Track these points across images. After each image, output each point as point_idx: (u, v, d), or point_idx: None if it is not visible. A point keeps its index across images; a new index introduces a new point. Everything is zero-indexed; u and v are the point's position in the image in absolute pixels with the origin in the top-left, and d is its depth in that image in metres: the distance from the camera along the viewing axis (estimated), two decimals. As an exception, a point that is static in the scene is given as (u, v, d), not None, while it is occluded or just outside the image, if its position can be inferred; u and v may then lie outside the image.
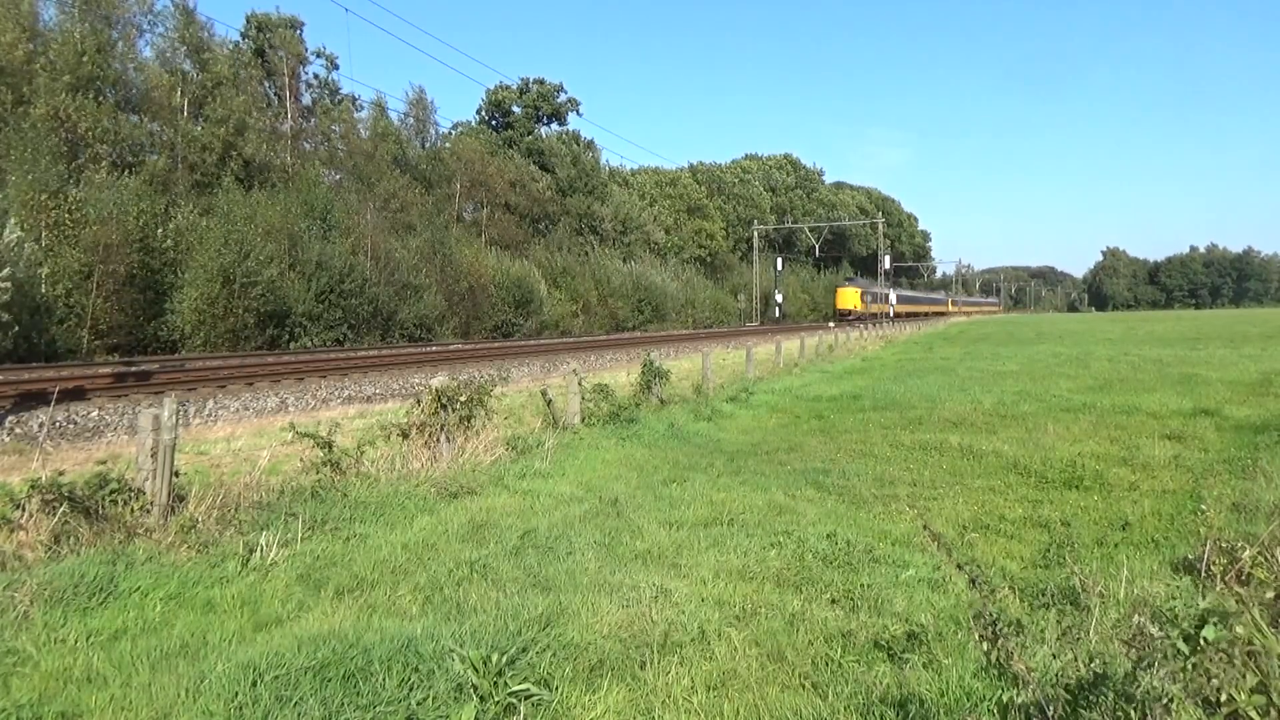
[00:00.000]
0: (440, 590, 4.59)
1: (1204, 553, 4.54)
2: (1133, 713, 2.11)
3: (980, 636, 2.37)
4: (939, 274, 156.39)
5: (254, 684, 3.33)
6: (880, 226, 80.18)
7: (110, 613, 4.28)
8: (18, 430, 10.97)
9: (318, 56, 50.62)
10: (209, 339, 25.94)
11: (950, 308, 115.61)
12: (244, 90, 36.45)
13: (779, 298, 72.92)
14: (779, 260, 75.65)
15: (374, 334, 32.84)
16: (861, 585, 4.63)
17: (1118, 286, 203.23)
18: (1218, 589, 4.31)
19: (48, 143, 25.43)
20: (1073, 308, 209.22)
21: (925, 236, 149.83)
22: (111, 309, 23.97)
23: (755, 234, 76.19)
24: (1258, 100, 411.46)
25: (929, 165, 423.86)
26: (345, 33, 74.08)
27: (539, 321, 43.98)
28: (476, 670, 3.27)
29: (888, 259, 78.79)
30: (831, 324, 61.36)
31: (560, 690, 3.37)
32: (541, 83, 66.56)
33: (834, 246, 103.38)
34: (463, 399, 8.28)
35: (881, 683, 3.43)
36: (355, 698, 3.25)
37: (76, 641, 3.94)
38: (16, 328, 19.66)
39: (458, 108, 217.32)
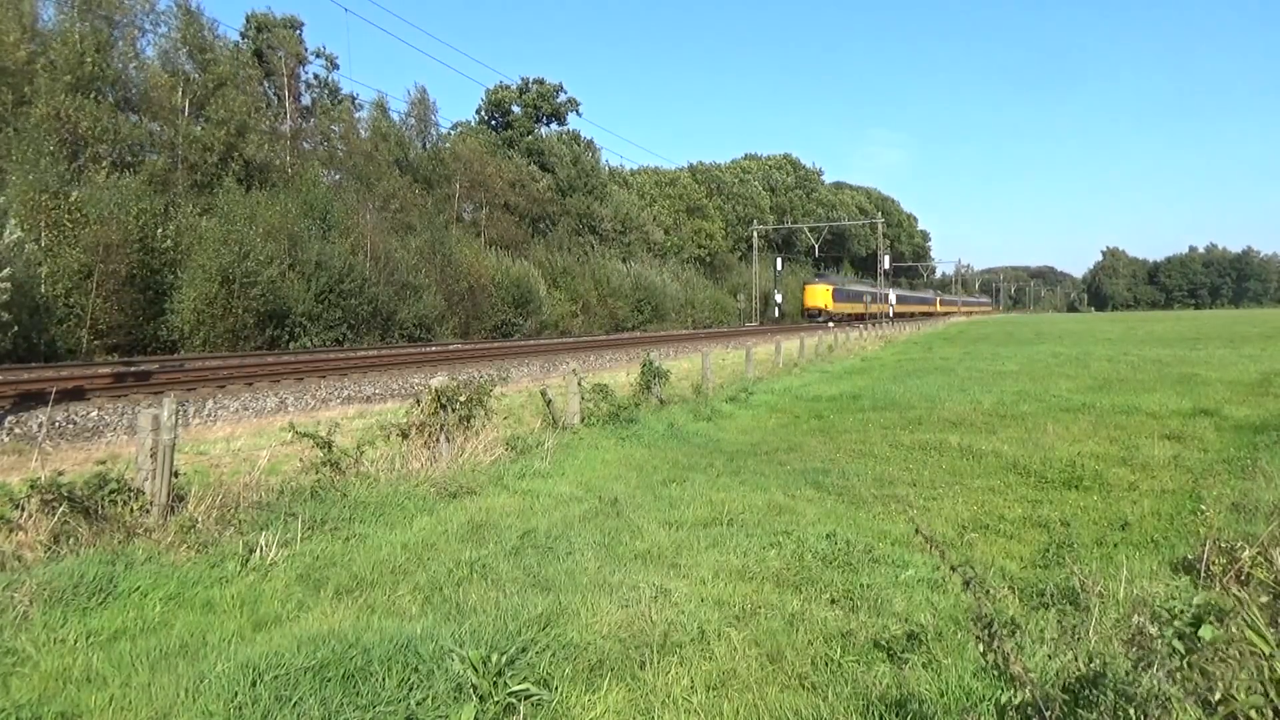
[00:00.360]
0: (440, 590, 4.59)
1: (1203, 553, 4.55)
2: (1132, 713, 2.11)
3: (977, 638, 2.37)
4: (939, 274, 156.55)
5: (253, 684, 3.33)
6: (880, 227, 79.67)
7: (110, 613, 4.28)
8: (17, 430, 10.96)
9: (317, 56, 50.66)
10: (208, 339, 25.93)
11: (938, 307, 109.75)
12: (244, 90, 36.42)
13: (778, 298, 72.67)
14: (779, 260, 75.61)
15: (374, 334, 32.83)
16: (861, 585, 4.64)
17: (1117, 286, 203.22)
18: (1217, 589, 4.31)
19: (48, 143, 25.42)
20: (1072, 308, 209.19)
21: (925, 236, 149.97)
22: (111, 309, 23.95)
23: (755, 234, 76.16)
24: (1257, 100, 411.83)
25: (928, 165, 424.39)
26: (345, 33, 74.10)
27: (539, 321, 43.97)
28: (476, 670, 3.27)
29: (887, 259, 77.80)
30: (831, 324, 61.11)
31: (560, 690, 3.37)
32: (541, 83, 66.54)
33: (833, 247, 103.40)
34: (462, 399, 8.28)
35: (881, 683, 3.44)
36: (355, 698, 3.25)
37: (76, 641, 3.94)
38: (16, 327, 19.65)
39: (458, 108, 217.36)
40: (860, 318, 73.14)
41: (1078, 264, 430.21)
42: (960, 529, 6.06)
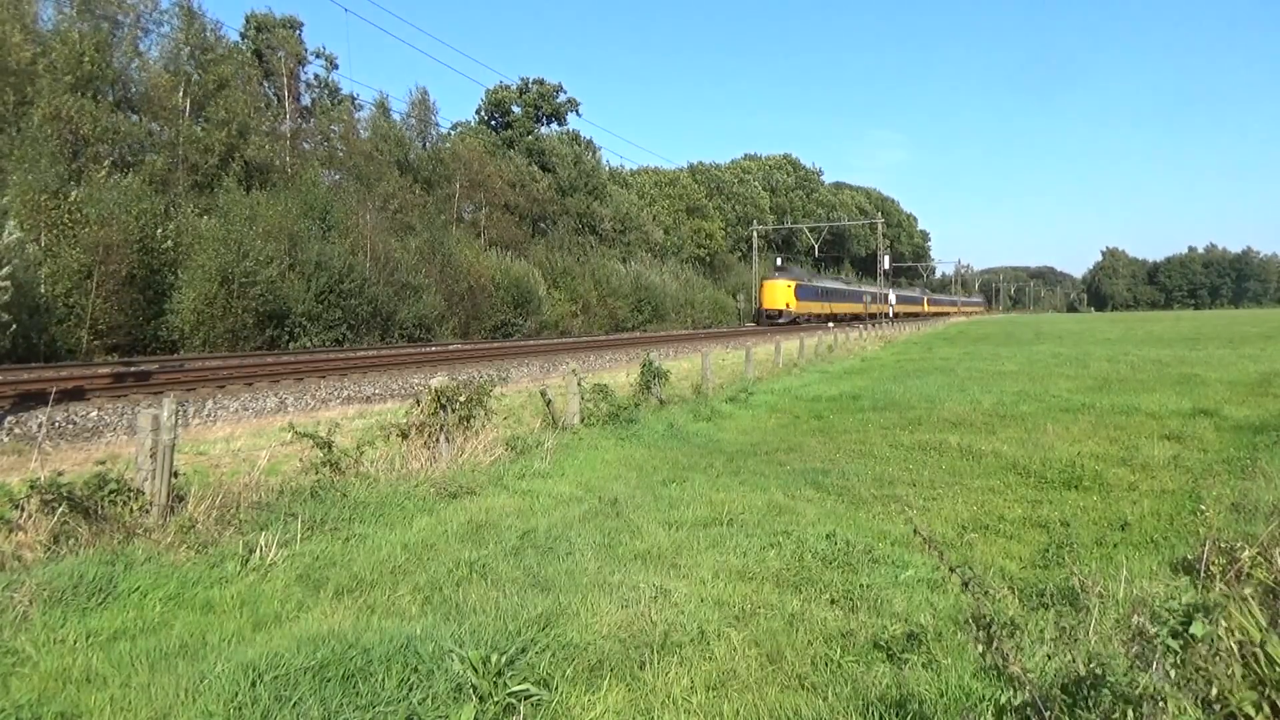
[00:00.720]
0: (439, 590, 4.59)
1: (1203, 553, 4.55)
2: (1130, 713, 2.11)
3: (975, 638, 2.37)
4: (939, 274, 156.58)
5: (253, 684, 3.33)
6: (880, 227, 79.37)
7: (109, 613, 4.28)
8: (17, 430, 10.96)
9: (317, 56, 50.66)
10: (208, 339, 25.92)
11: (926, 308, 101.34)
12: (244, 91, 36.42)
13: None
14: (779, 260, 75.50)
15: (373, 334, 32.83)
16: (861, 585, 4.64)
17: (1117, 287, 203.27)
18: (1217, 589, 4.31)
19: (49, 143, 25.42)
20: (1072, 308, 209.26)
21: (924, 237, 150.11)
22: (111, 309, 23.95)
23: (755, 234, 76.11)
24: (1257, 100, 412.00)
25: (928, 166, 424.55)
26: (345, 33, 74.05)
27: (538, 322, 43.95)
28: (476, 670, 3.27)
29: (887, 259, 77.13)
30: (830, 324, 60.81)
31: (560, 690, 3.37)
32: (541, 83, 66.53)
33: (833, 247, 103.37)
34: (462, 399, 8.28)
35: (881, 683, 3.44)
36: (354, 698, 3.25)
37: (76, 642, 3.94)
38: (15, 327, 19.64)
39: (458, 108, 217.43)
40: (831, 319, 66.85)
41: (1078, 264, 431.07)
42: (960, 529, 6.06)
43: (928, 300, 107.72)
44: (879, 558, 5.16)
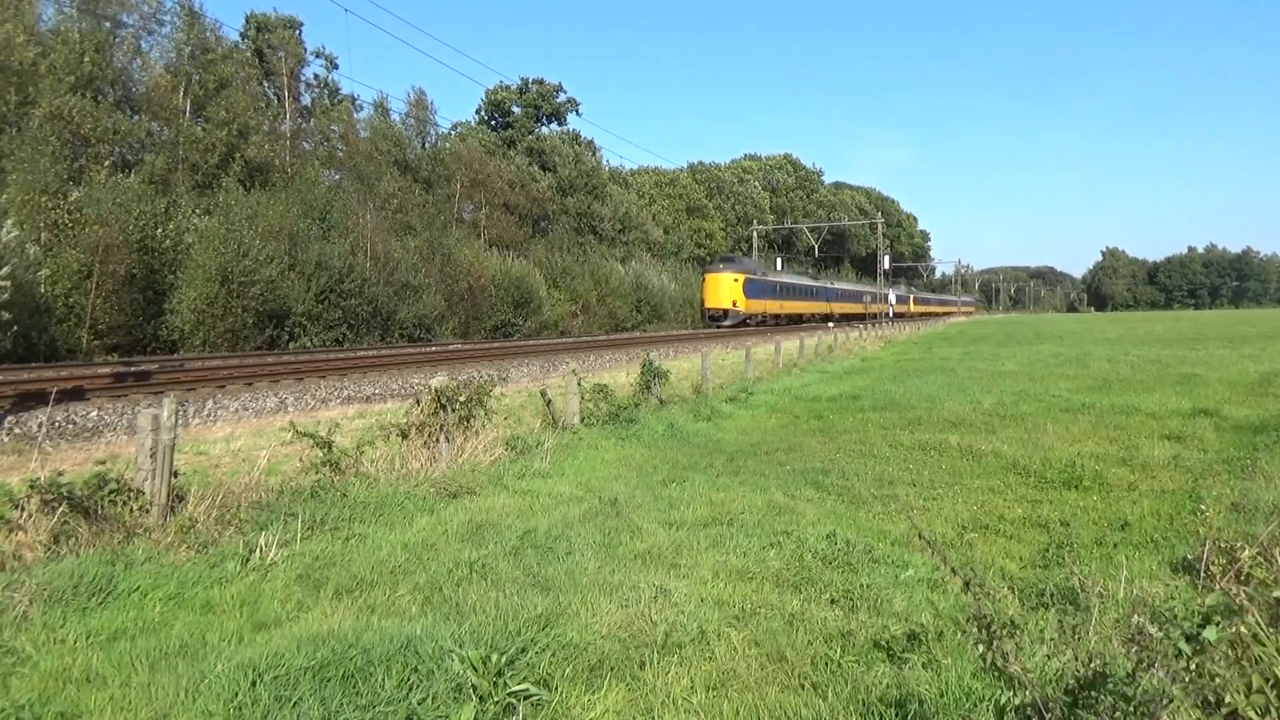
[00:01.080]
0: (439, 590, 4.59)
1: (1203, 553, 4.54)
2: (1132, 713, 2.11)
3: (975, 639, 2.37)
4: (939, 274, 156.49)
5: (253, 684, 3.33)
6: (880, 227, 79.22)
7: (109, 613, 4.28)
8: (17, 430, 10.96)
9: (317, 57, 50.69)
10: (208, 339, 25.92)
11: (912, 308, 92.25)
12: (244, 91, 36.42)
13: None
14: (779, 261, 75.38)
15: (373, 334, 32.83)
16: (861, 585, 4.63)
17: (1117, 287, 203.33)
18: (1217, 589, 4.31)
19: (50, 143, 25.42)
20: (1072, 308, 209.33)
21: (925, 236, 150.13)
22: (111, 309, 23.95)
23: (755, 234, 76.05)
24: (1257, 100, 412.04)
25: (928, 165, 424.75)
26: (345, 33, 74.03)
27: (538, 321, 43.94)
28: (476, 670, 3.27)
29: (887, 259, 76.68)
30: (830, 324, 60.52)
31: (560, 690, 3.37)
32: (541, 83, 66.54)
33: (833, 247, 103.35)
34: (462, 399, 8.27)
35: (881, 683, 3.44)
36: (355, 698, 3.25)
37: (76, 642, 3.93)
38: (16, 327, 19.65)
39: (458, 108, 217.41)
40: (795, 320, 59.77)
41: (1078, 264, 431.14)
42: (960, 529, 6.06)
43: (914, 300, 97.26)
44: (879, 557, 5.16)
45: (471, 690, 3.22)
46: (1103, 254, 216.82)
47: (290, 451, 7.87)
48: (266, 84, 44.00)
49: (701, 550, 5.35)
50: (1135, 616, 2.38)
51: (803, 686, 3.47)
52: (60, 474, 5.36)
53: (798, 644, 3.85)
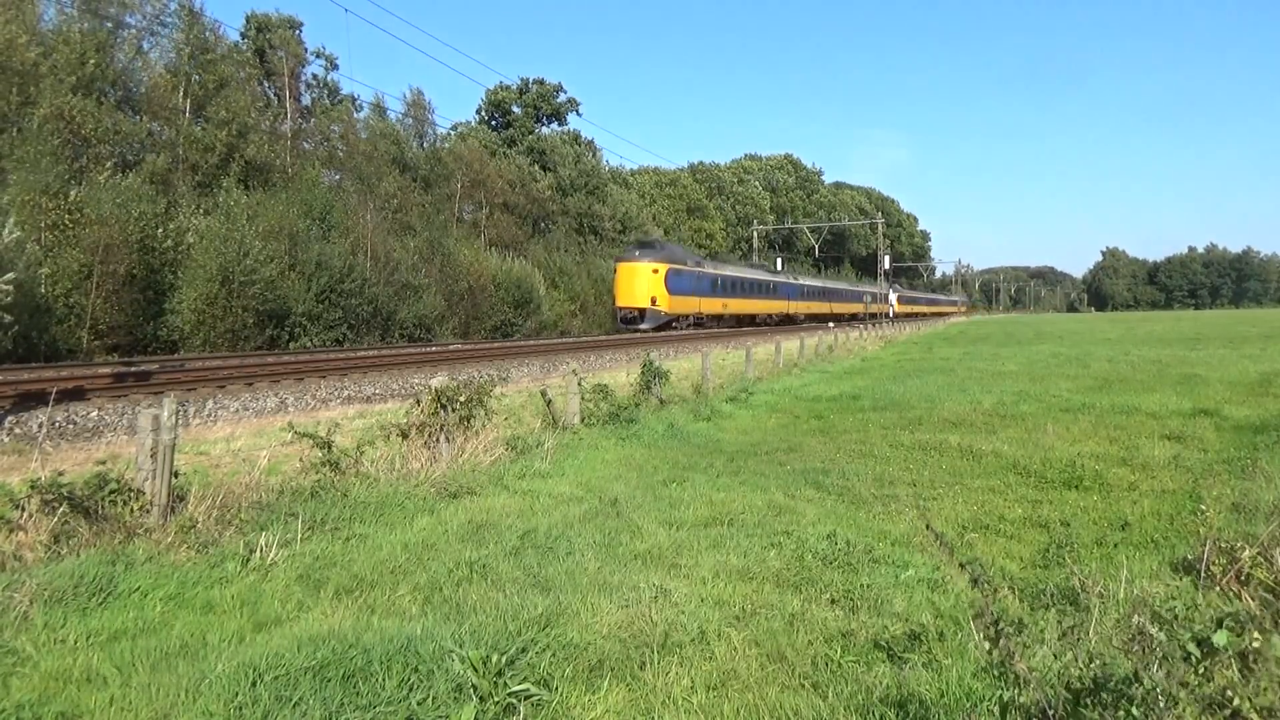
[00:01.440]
0: (440, 590, 4.59)
1: (1204, 553, 4.55)
2: (1135, 713, 2.11)
3: (982, 636, 2.37)
4: (939, 274, 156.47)
5: (254, 684, 3.33)
6: (880, 227, 79.20)
7: (110, 613, 4.28)
8: (17, 430, 10.96)
9: (317, 57, 50.67)
10: (208, 339, 25.92)
11: (897, 307, 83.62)
12: (244, 91, 36.43)
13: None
14: (779, 261, 75.35)
15: (374, 334, 32.83)
16: (861, 585, 4.63)
17: (1117, 287, 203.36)
18: (1217, 589, 4.31)
19: (51, 143, 25.42)
20: (1072, 308, 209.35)
21: (925, 236, 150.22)
22: (111, 309, 23.95)
23: (755, 234, 76.04)
24: (1257, 101, 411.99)
25: (929, 166, 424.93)
26: (345, 33, 74.02)
27: (538, 321, 43.94)
28: (476, 670, 3.27)
29: (888, 259, 76.41)
30: (831, 324, 60.17)
31: (560, 690, 3.37)
32: (541, 83, 66.55)
33: (834, 246, 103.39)
34: (462, 399, 8.28)
35: (881, 683, 3.43)
36: (355, 698, 3.25)
37: (76, 642, 3.93)
38: (16, 327, 19.65)
39: (458, 108, 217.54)
40: (744, 322, 52.08)
41: (1078, 264, 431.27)
42: (960, 529, 6.06)
43: (899, 299, 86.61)
44: (879, 558, 5.15)
45: (472, 690, 3.22)
46: (1103, 254, 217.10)
47: (291, 451, 7.87)
48: (267, 84, 44.01)
49: (702, 550, 5.34)
50: (1136, 617, 2.38)
51: (803, 686, 3.47)
52: (61, 474, 5.35)
53: (798, 644, 3.85)
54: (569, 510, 6.43)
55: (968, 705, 3.15)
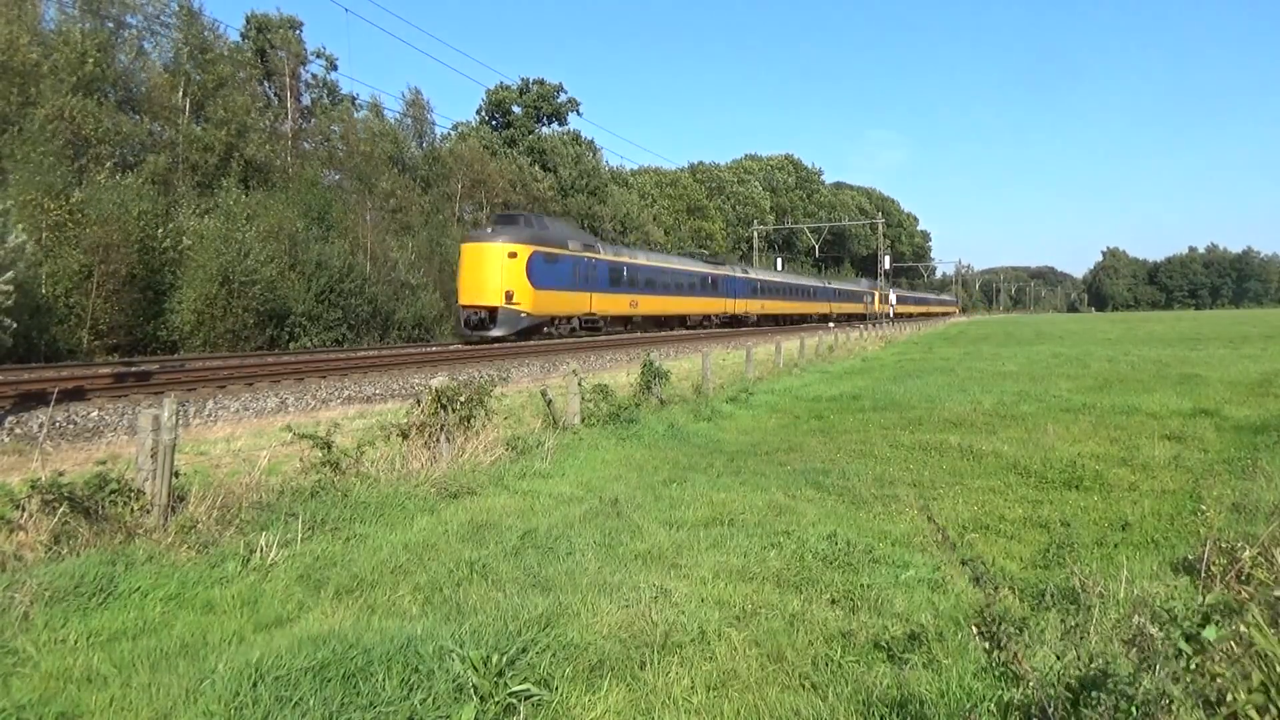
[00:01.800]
0: (440, 590, 4.59)
1: (1204, 553, 4.54)
2: (1134, 712, 2.11)
3: (983, 634, 2.37)
4: (939, 274, 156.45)
5: (254, 684, 3.33)
6: (880, 227, 79.13)
7: (110, 613, 4.28)
8: (17, 430, 10.96)
9: (317, 57, 50.66)
10: (209, 339, 25.93)
11: (877, 306, 73.84)
12: (244, 91, 36.46)
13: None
14: (779, 261, 75.33)
15: (373, 334, 32.84)
16: (861, 585, 4.63)
17: (1118, 287, 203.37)
18: (1218, 589, 4.31)
19: (52, 144, 25.44)
20: (1073, 308, 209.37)
21: (925, 236, 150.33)
22: (111, 309, 23.96)
23: (755, 234, 76.02)
24: (1257, 100, 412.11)
25: (929, 166, 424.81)
26: (345, 33, 74.00)
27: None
28: (476, 670, 3.27)
29: (888, 259, 76.09)
30: (831, 324, 60.08)
31: (560, 690, 3.37)
32: (541, 83, 66.60)
33: (834, 246, 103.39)
34: (462, 399, 8.28)
35: (881, 683, 3.43)
36: (355, 698, 3.25)
37: (76, 642, 3.94)
38: (16, 327, 19.66)
39: (458, 108, 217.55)
40: (658, 324, 40.82)
41: (1078, 264, 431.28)
42: (961, 529, 6.06)
43: (878, 297, 76.10)
44: (880, 558, 5.16)
45: (472, 690, 3.22)
46: (1103, 254, 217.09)
47: (291, 451, 7.87)
48: (267, 84, 44.03)
49: (702, 550, 5.34)
50: (1136, 617, 2.38)
51: (803, 687, 3.47)
52: (61, 474, 5.36)
53: (798, 644, 3.85)
54: (569, 510, 6.43)
55: (968, 705, 3.15)
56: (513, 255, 28.82)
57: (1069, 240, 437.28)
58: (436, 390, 8.11)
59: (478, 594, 4.50)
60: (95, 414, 12.28)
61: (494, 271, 28.73)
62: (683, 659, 3.68)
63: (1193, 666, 2.04)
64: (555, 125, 67.19)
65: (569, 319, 32.52)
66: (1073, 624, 3.33)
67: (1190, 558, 4.80)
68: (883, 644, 3.83)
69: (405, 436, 7.91)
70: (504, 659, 3.38)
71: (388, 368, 20.34)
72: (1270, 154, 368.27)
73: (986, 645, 2.34)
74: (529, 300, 29.16)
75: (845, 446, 9.54)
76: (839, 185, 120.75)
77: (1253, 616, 2.06)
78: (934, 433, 10.17)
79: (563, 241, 31.86)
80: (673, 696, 3.36)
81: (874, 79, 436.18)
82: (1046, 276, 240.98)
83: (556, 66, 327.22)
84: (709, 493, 7.05)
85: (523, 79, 66.17)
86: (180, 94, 32.66)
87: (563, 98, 67.16)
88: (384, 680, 3.35)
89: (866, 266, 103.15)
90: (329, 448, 6.99)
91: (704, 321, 47.22)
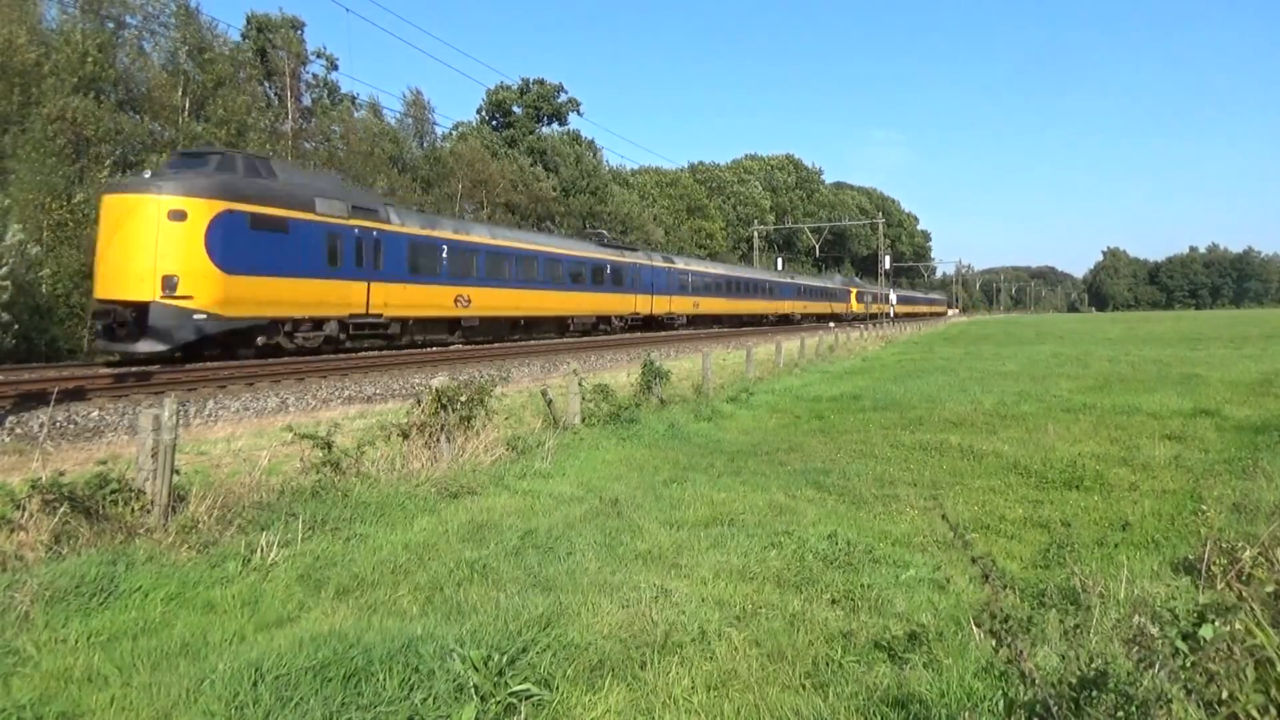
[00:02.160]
0: (441, 590, 4.59)
1: (1204, 553, 4.54)
2: (1134, 712, 2.11)
3: (989, 632, 2.37)
4: (939, 274, 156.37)
5: (255, 684, 3.33)
6: (880, 226, 79.08)
7: (111, 613, 4.28)
8: (18, 430, 10.97)
9: (318, 57, 50.67)
10: (209, 339, 25.90)
11: (853, 306, 68.68)
12: (243, 90, 36.48)
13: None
14: (779, 261, 75.33)
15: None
16: (862, 585, 4.64)
17: (1118, 287, 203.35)
18: (1218, 589, 4.31)
19: (53, 143, 25.44)
20: (1073, 308, 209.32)
21: (925, 236, 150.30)
22: (112, 309, 23.96)
23: (755, 234, 76.02)
24: (1257, 100, 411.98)
25: (929, 165, 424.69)
26: (345, 33, 73.97)
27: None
28: (477, 670, 3.27)
29: (888, 259, 76.19)
30: (831, 324, 59.98)
31: (561, 690, 3.37)
32: (542, 83, 66.61)
33: (834, 246, 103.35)
34: (463, 399, 8.28)
35: (882, 683, 3.44)
36: (356, 698, 3.25)
37: (77, 642, 3.94)
38: (17, 327, 19.67)
39: (458, 108, 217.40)
40: (516, 328, 30.05)
41: (1078, 264, 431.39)
42: (961, 529, 6.05)
43: (854, 295, 69.91)
44: (880, 558, 5.16)
45: (473, 690, 3.23)
46: (1104, 254, 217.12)
47: (291, 451, 7.87)
48: (268, 84, 44.03)
49: (702, 550, 5.35)
50: (1136, 617, 2.38)
51: (804, 686, 3.47)
52: (61, 474, 5.36)
53: (799, 644, 3.85)
54: (570, 510, 6.43)
55: (969, 705, 3.15)
56: (177, 215, 17.52)
57: (1069, 240, 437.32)
58: (437, 390, 8.12)
59: (478, 594, 4.50)
60: (96, 414, 12.28)
61: (145, 243, 17.47)
62: (683, 659, 3.68)
63: (1190, 665, 2.04)
64: (555, 125, 67.25)
65: (318, 321, 21.21)
66: (1073, 624, 3.33)
67: (1191, 558, 4.79)
68: (883, 644, 3.83)
69: (406, 436, 7.91)
70: (504, 659, 3.38)
71: (388, 368, 20.33)
72: (1271, 154, 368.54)
73: (992, 643, 2.34)
74: (212, 290, 17.96)
75: (846, 446, 9.54)
76: (839, 185, 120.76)
77: (1250, 614, 2.06)
78: (934, 433, 10.17)
79: (299, 199, 20.28)
80: (673, 696, 3.36)
81: (874, 79, 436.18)
82: (1047, 276, 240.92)
83: (557, 67, 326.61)
84: (709, 493, 7.05)
85: (523, 79, 66.28)
86: (180, 93, 32.66)
87: (563, 98, 67.20)
88: (384, 680, 3.35)
89: (867, 266, 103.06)
90: (329, 448, 7.00)
91: (599, 325, 35.90)
